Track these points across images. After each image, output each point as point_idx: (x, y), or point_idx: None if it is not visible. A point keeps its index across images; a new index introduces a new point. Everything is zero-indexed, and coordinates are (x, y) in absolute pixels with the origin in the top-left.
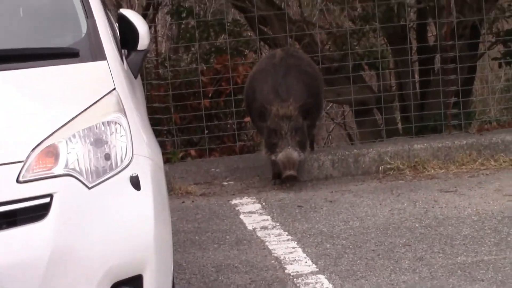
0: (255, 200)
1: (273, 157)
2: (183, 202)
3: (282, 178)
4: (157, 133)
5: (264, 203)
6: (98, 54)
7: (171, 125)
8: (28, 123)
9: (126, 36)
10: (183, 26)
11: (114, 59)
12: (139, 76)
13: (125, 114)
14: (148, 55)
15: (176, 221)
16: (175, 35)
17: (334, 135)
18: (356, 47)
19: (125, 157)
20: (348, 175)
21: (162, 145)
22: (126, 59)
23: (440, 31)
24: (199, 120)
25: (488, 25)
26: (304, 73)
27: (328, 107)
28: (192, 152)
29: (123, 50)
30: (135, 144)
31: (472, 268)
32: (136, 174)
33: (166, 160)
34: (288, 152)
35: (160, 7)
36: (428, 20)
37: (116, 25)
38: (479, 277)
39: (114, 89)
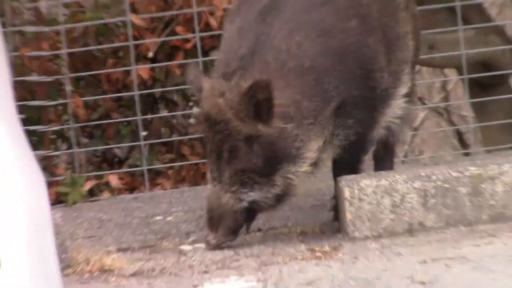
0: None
1: None
2: None
3: None
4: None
5: None
6: None
7: (69, 120)
8: None
9: None
10: None
11: None
12: None
13: None
14: None
15: None
16: None
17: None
18: None
19: None
20: None
21: (47, 165)
22: None
23: None
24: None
25: None
26: (329, 11)
27: None
28: (114, 179)
29: None
30: None
31: None
32: None
33: (56, 199)
34: None
35: None
36: None
37: None
38: None
39: None
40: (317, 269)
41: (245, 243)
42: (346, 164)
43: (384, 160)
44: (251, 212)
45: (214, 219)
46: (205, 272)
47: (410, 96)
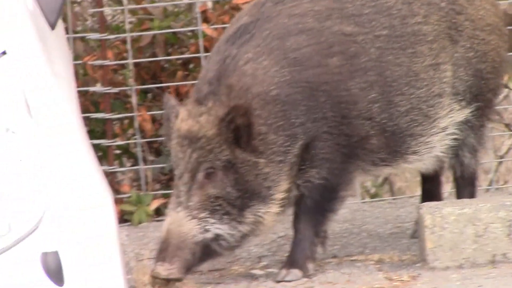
0: None
1: None
2: None
3: None
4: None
5: None
6: None
7: (135, 134)
8: None
9: None
10: None
11: None
12: (61, 26)
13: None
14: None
15: None
16: None
17: None
18: None
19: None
20: None
21: (111, 182)
22: None
23: None
24: None
25: None
26: (313, 36)
27: None
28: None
29: None
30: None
31: None
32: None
33: (120, 217)
34: None
35: None
36: None
37: None
38: None
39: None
40: None
41: (319, 269)
42: (307, 211)
43: (461, 192)
44: (207, 251)
45: (169, 249)
46: None
47: (469, 123)
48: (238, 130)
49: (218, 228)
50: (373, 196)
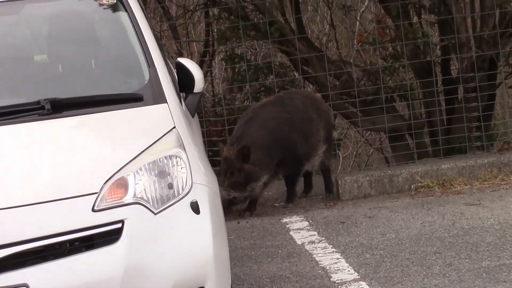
0: (303, 218)
1: None
2: (238, 222)
3: None
4: (216, 163)
5: (311, 221)
6: (159, 98)
7: None
8: (100, 159)
9: (184, 81)
10: (236, 69)
11: (173, 102)
12: (196, 115)
13: (184, 149)
14: (206, 95)
15: (234, 239)
16: (230, 77)
17: (373, 159)
18: (389, 82)
19: (185, 185)
20: (384, 193)
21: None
22: (184, 101)
23: (461, 64)
24: None
25: (504, 58)
26: (268, 120)
27: (366, 134)
28: None
29: (181, 93)
30: (194, 174)
31: (496, 271)
32: (195, 200)
33: None
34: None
35: (215, 54)
36: (450, 55)
37: (175, 72)
38: (502, 279)
39: (174, 127)
40: None
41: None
42: (287, 181)
43: (324, 176)
44: (231, 202)
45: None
46: (283, 214)
47: (326, 152)
48: (244, 155)
49: (233, 194)
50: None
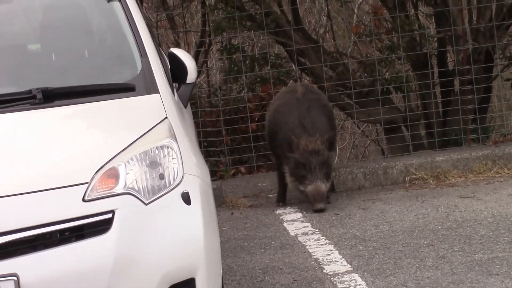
0: (296, 209)
1: (301, 188)
2: (232, 213)
3: (313, 210)
4: (211, 153)
5: (304, 212)
6: (151, 88)
7: (223, 146)
8: (91, 149)
9: (176, 72)
10: (233, 59)
11: (166, 92)
12: (189, 105)
13: (176, 139)
14: (203, 85)
15: (227, 230)
16: (227, 68)
17: (370, 151)
18: (385, 73)
19: (176, 176)
20: (378, 185)
21: (215, 163)
22: (176, 91)
23: (458, 57)
24: (247, 141)
25: (501, 51)
26: (324, 107)
27: (363, 126)
28: (242, 169)
29: (174, 84)
30: (185, 165)
31: (489, 264)
32: (186, 191)
33: (219, 177)
34: (318, 185)
35: (212, 45)
36: (447, 48)
37: (168, 62)
38: (494, 272)
39: (166, 118)
40: None
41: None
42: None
43: None
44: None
45: (319, 196)
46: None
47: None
48: (331, 144)
49: (329, 183)
50: None
